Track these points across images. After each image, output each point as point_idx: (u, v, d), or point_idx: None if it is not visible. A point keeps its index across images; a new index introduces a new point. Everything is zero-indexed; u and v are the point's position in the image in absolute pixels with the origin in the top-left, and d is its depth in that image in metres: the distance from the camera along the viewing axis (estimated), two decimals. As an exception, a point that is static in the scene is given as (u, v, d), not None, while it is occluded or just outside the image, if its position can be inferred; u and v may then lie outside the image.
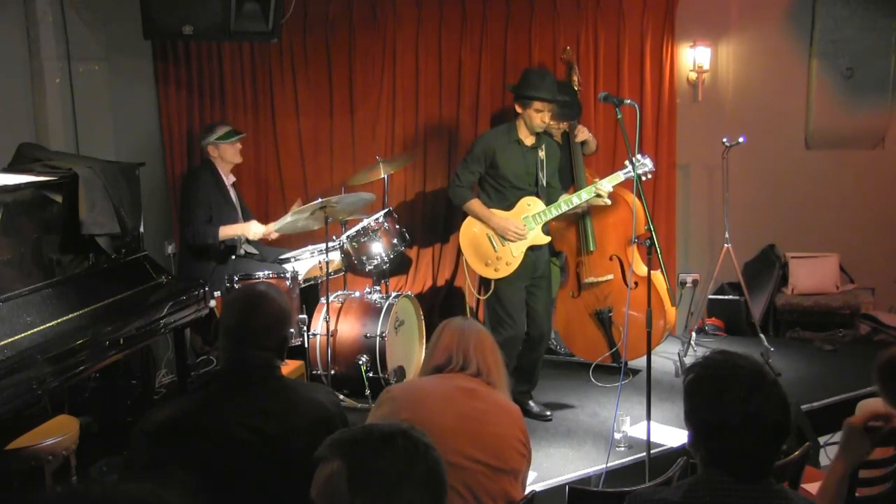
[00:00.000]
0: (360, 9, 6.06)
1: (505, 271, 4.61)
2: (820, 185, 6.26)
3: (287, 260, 5.29)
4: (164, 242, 5.75)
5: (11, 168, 4.06)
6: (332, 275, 5.16)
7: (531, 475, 3.56)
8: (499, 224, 4.59)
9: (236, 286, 4.73)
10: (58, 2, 5.00)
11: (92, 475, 3.94)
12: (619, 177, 4.58)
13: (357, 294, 5.22)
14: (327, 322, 4.90)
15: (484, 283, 4.73)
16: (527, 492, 2.59)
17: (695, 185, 6.31)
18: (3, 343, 3.18)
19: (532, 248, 4.64)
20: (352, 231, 5.14)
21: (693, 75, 6.14)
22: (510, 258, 4.60)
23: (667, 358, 5.63)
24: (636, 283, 4.97)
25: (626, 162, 4.46)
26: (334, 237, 5.15)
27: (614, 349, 5.20)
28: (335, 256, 5.17)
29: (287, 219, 4.94)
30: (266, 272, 4.95)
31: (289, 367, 4.72)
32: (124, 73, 5.68)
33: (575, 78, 5.38)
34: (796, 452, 2.81)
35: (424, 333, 5.39)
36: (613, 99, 3.92)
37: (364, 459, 1.48)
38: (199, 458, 2.17)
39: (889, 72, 6.00)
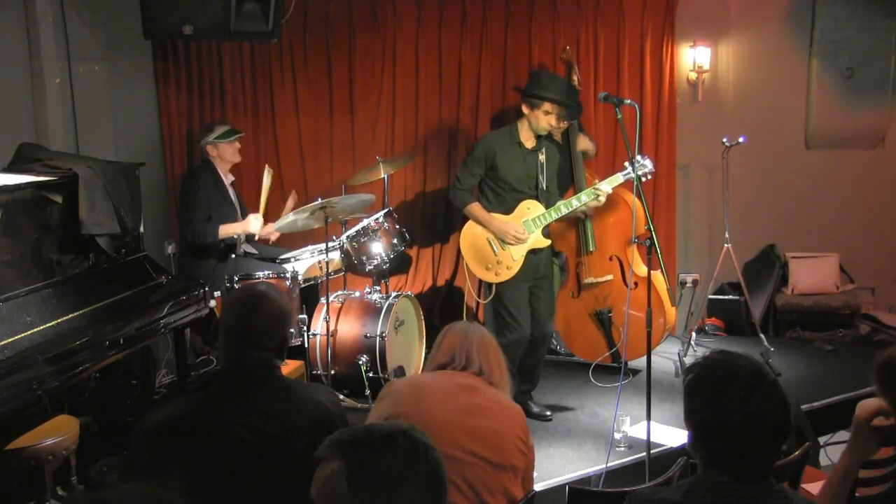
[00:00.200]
0: (360, 9, 6.06)
1: (505, 275, 4.60)
2: (820, 185, 6.26)
3: (287, 260, 5.29)
4: (164, 242, 5.75)
5: (11, 168, 4.06)
6: (332, 275, 5.16)
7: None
8: (499, 228, 4.59)
9: (236, 286, 4.74)
10: (58, 2, 5.00)
11: (92, 475, 3.94)
12: (618, 178, 4.58)
13: (357, 294, 5.22)
14: (327, 322, 4.90)
15: (485, 287, 4.72)
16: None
17: (695, 185, 6.31)
18: (3, 343, 3.18)
19: (533, 252, 4.63)
20: (352, 231, 5.14)
21: (693, 75, 6.14)
22: (511, 262, 4.60)
23: (667, 358, 5.63)
24: (636, 284, 4.97)
25: (626, 163, 4.45)
26: (334, 237, 5.16)
27: (614, 349, 5.20)
28: (335, 256, 5.17)
29: (288, 217, 4.94)
30: (266, 272, 4.95)
31: (289, 367, 4.73)
32: (124, 73, 5.68)
33: (575, 78, 5.38)
34: (796, 452, 2.81)
35: (424, 333, 5.39)
36: (613, 99, 3.92)
37: (364, 459, 1.47)
38: (199, 458, 2.17)
39: (889, 72, 6.00)
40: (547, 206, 4.63)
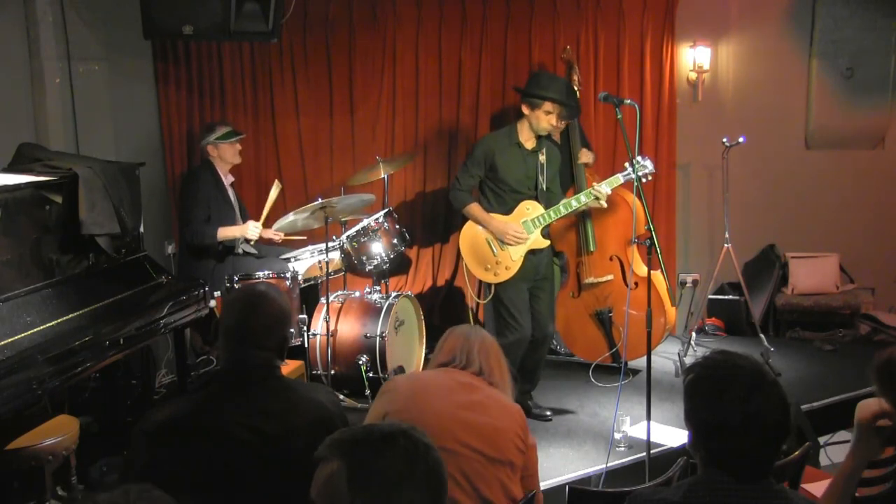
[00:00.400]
0: (360, 9, 6.06)
1: (504, 276, 4.60)
2: (820, 185, 6.26)
3: (287, 260, 5.29)
4: (164, 242, 5.75)
5: (11, 168, 4.06)
6: (332, 275, 5.16)
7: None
8: (497, 228, 4.59)
9: (236, 286, 4.74)
10: (58, 2, 5.00)
11: (92, 475, 3.94)
12: (618, 179, 4.57)
13: (357, 294, 5.22)
14: (327, 322, 4.90)
15: (485, 287, 4.72)
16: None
17: (695, 185, 6.31)
18: (3, 343, 3.18)
19: (532, 252, 4.63)
20: (352, 231, 5.14)
21: (693, 75, 6.14)
22: (509, 262, 4.60)
23: (667, 358, 5.63)
24: (636, 284, 4.97)
25: (626, 164, 4.45)
26: (334, 237, 5.16)
27: (614, 349, 5.20)
28: (335, 256, 5.17)
29: (288, 217, 4.94)
30: (266, 272, 4.95)
31: (289, 367, 4.73)
32: (124, 73, 5.68)
33: (575, 78, 5.39)
34: (796, 452, 2.81)
35: (424, 333, 5.39)
36: (613, 99, 3.92)
37: (364, 459, 1.47)
38: (199, 458, 2.17)
39: (889, 72, 6.00)
40: (547, 207, 4.63)
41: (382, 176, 5.55)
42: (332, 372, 4.92)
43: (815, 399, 4.90)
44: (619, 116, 3.95)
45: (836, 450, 4.60)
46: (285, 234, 5.30)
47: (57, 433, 3.49)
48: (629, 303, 4.58)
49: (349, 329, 4.97)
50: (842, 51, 6.00)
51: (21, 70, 4.89)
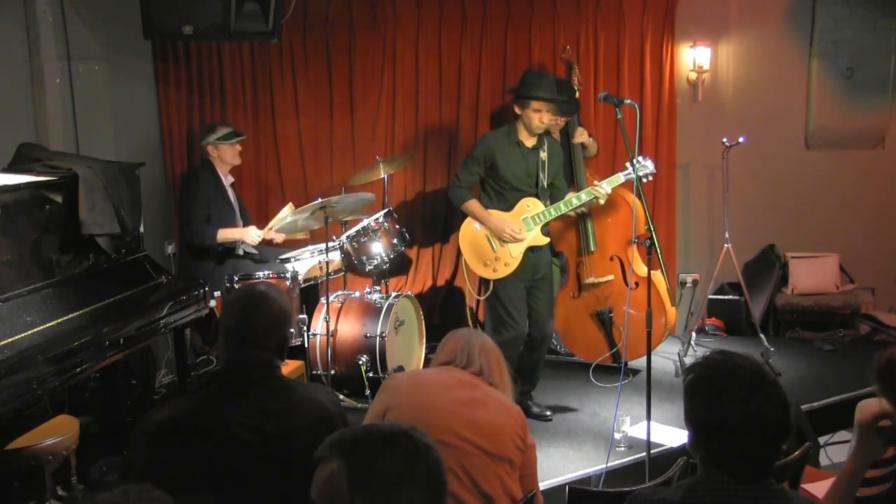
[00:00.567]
0: (360, 9, 6.06)
1: (503, 272, 4.60)
2: (820, 185, 6.26)
3: (287, 260, 5.29)
4: (164, 242, 5.75)
5: (11, 168, 4.06)
6: (332, 275, 5.16)
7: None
8: (496, 225, 4.59)
9: (236, 286, 4.74)
10: (58, 2, 5.00)
11: (92, 475, 3.94)
12: (619, 178, 4.57)
13: (357, 294, 5.22)
14: (327, 322, 4.90)
15: (483, 283, 4.72)
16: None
17: (695, 185, 6.31)
18: (3, 343, 3.18)
19: (532, 249, 4.63)
20: (352, 231, 5.14)
21: (693, 75, 6.14)
22: (509, 259, 4.60)
23: (667, 358, 5.63)
24: (636, 284, 4.97)
25: (627, 164, 4.45)
26: (334, 237, 5.16)
27: (614, 349, 5.20)
28: (335, 256, 5.17)
29: (287, 219, 4.94)
30: (266, 272, 4.95)
31: (289, 367, 4.72)
32: (124, 73, 5.68)
33: (575, 77, 5.39)
34: (796, 452, 2.81)
35: (424, 333, 5.39)
36: (613, 99, 3.92)
37: (364, 459, 1.47)
38: (199, 458, 2.17)
39: (889, 72, 6.00)
40: (552, 202, 4.63)
41: (382, 176, 5.55)
42: (332, 372, 4.92)
43: (815, 399, 4.89)
44: (619, 116, 3.96)
45: (836, 450, 4.60)
46: (286, 235, 5.30)
47: (57, 433, 3.49)
48: (629, 303, 4.58)
49: (349, 329, 4.97)
50: (842, 51, 6.00)
51: (21, 70, 4.89)
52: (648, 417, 3.70)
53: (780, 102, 6.19)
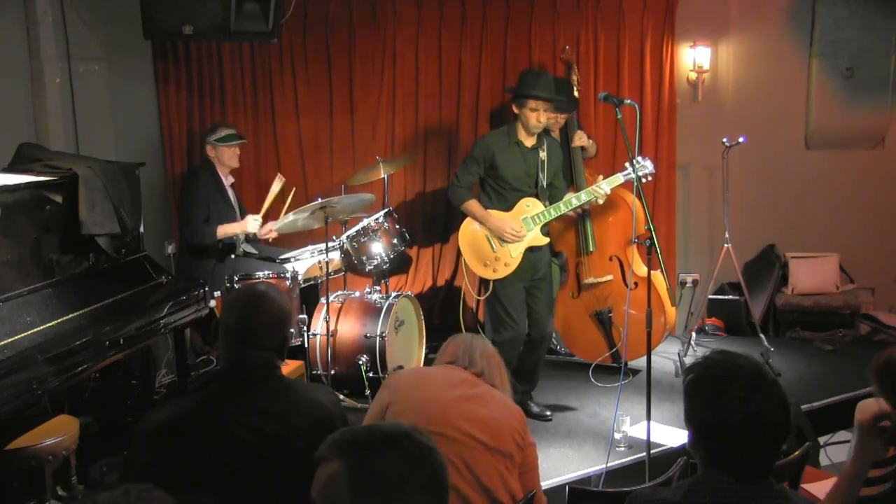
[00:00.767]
0: (360, 9, 6.06)
1: (503, 272, 4.60)
2: (820, 185, 6.26)
3: (287, 260, 5.29)
4: (164, 242, 5.75)
5: (11, 168, 4.06)
6: (332, 275, 5.16)
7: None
8: (495, 225, 4.59)
9: (236, 286, 4.74)
10: (58, 2, 5.00)
11: (92, 475, 3.94)
12: (618, 178, 4.57)
13: (357, 294, 5.22)
14: (327, 322, 4.90)
15: (483, 283, 4.72)
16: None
17: (695, 185, 6.31)
18: (3, 343, 3.18)
19: (531, 249, 4.63)
20: (352, 231, 5.14)
21: (693, 75, 6.14)
22: (508, 259, 4.60)
23: (667, 358, 5.63)
24: (636, 284, 4.97)
25: (627, 164, 4.45)
26: (334, 237, 5.16)
27: (614, 349, 5.20)
28: (335, 256, 5.17)
29: (288, 217, 4.94)
30: (266, 272, 4.95)
31: (289, 367, 4.72)
32: (124, 73, 5.69)
33: (574, 77, 5.38)
34: (796, 452, 2.81)
35: (424, 333, 5.39)
36: (613, 99, 3.92)
37: (367, 461, 1.46)
38: (199, 458, 2.17)
39: (889, 72, 6.00)
40: (551, 202, 4.63)
41: (382, 176, 5.55)
42: (332, 372, 4.91)
43: (815, 399, 4.89)
44: (619, 116, 3.96)
45: (836, 450, 4.60)
46: (285, 235, 5.30)
47: (57, 433, 3.49)
48: (629, 303, 4.58)
49: (349, 329, 4.97)
50: (842, 51, 6.00)
51: (21, 70, 4.90)
52: (648, 417, 3.70)
53: (780, 102, 6.19)
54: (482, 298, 4.77)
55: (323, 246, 5.00)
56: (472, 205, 4.65)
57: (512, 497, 2.55)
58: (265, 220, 5.27)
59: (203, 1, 4.80)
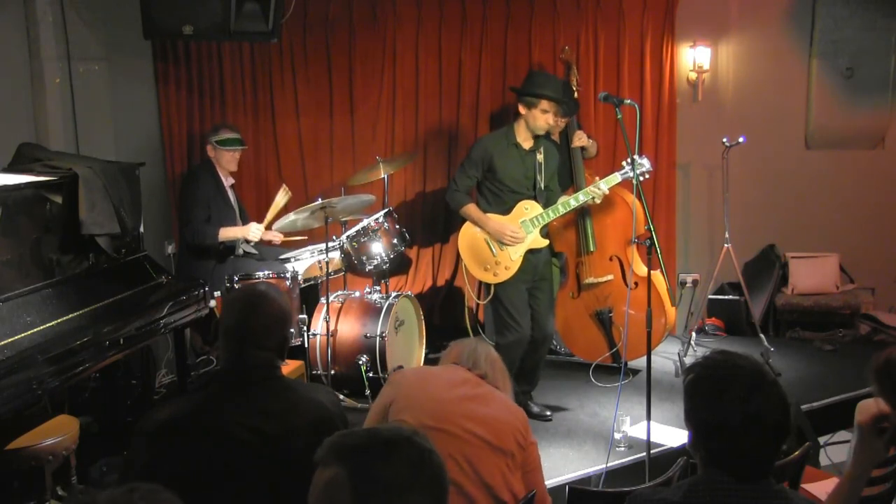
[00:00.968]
0: (360, 9, 6.06)
1: (504, 276, 4.60)
2: (820, 185, 6.26)
3: (287, 260, 5.29)
4: (164, 242, 5.75)
5: (11, 168, 4.06)
6: (332, 275, 5.16)
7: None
8: (495, 228, 4.59)
9: (236, 286, 4.73)
10: (58, 2, 5.00)
11: (92, 475, 3.94)
12: (616, 178, 4.57)
13: (357, 294, 5.22)
14: (327, 322, 4.90)
15: (484, 287, 4.72)
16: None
17: (695, 185, 6.31)
18: (3, 343, 3.18)
19: (531, 251, 4.63)
20: (352, 231, 5.14)
21: (693, 75, 6.14)
22: (509, 262, 4.60)
23: (667, 358, 5.63)
24: (636, 284, 4.97)
25: (624, 162, 4.45)
26: (334, 237, 5.15)
27: (614, 349, 5.20)
28: (335, 256, 5.17)
29: (288, 217, 4.94)
30: (266, 272, 4.95)
31: (289, 367, 4.72)
32: (124, 73, 5.69)
33: (574, 78, 5.38)
34: (796, 452, 2.81)
35: (424, 334, 5.39)
36: (613, 99, 3.92)
37: (368, 466, 1.44)
38: (199, 458, 2.17)
39: (889, 72, 6.00)
40: (546, 206, 4.63)
41: (382, 176, 5.55)
42: (332, 372, 4.91)
43: (815, 399, 4.89)
44: (619, 116, 3.96)
45: (836, 450, 4.59)
46: (284, 235, 5.30)
47: (57, 433, 3.49)
48: (629, 303, 4.58)
49: (349, 329, 4.97)
50: (842, 51, 6.00)
51: (21, 70, 4.90)
52: (648, 417, 3.70)
53: (780, 102, 6.19)
54: (482, 302, 4.77)
55: (323, 246, 5.00)
56: (471, 209, 4.64)
57: (513, 495, 2.56)
58: (269, 228, 5.26)
59: (203, 1, 4.80)
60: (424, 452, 1.47)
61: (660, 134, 6.05)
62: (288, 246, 5.52)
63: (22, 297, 3.48)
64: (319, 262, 5.18)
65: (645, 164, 4.51)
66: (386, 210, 5.27)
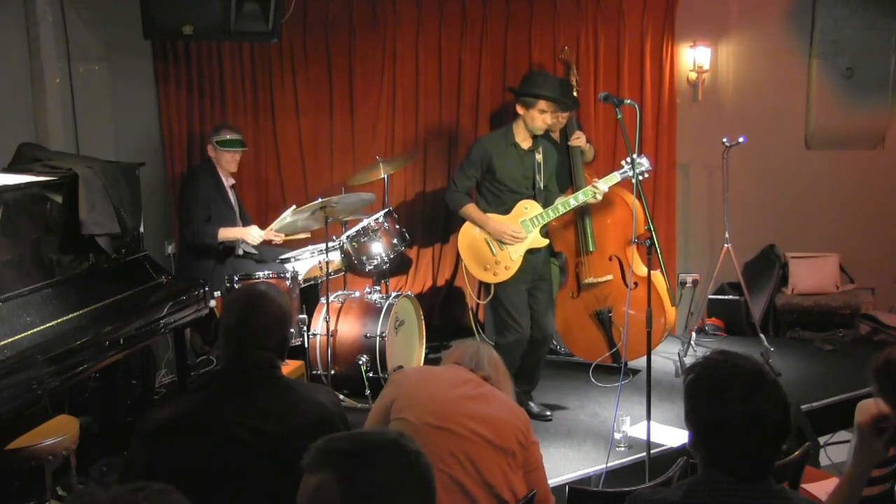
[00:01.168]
0: (360, 9, 6.06)
1: (504, 276, 4.60)
2: (820, 185, 6.26)
3: (287, 260, 5.29)
4: (164, 242, 5.75)
5: (11, 168, 4.06)
6: (332, 275, 5.16)
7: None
8: (495, 228, 4.59)
9: (236, 286, 4.73)
10: (58, 2, 5.00)
11: (92, 475, 3.94)
12: (615, 177, 4.57)
13: (357, 294, 5.22)
14: (327, 322, 4.90)
15: (484, 287, 4.72)
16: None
17: (695, 185, 6.31)
18: (3, 343, 3.18)
19: (531, 251, 4.63)
20: (352, 231, 5.14)
21: (693, 75, 6.14)
22: (509, 262, 4.60)
23: (667, 358, 5.63)
24: (636, 284, 4.96)
25: (623, 161, 4.45)
26: (334, 237, 5.15)
27: (614, 349, 5.20)
28: (335, 256, 5.17)
29: (287, 219, 4.94)
30: (266, 272, 4.95)
31: (289, 367, 4.72)
32: (124, 73, 5.69)
33: (573, 78, 5.38)
34: (796, 452, 2.81)
35: (424, 334, 5.39)
36: (613, 99, 3.92)
37: (357, 470, 1.43)
38: (199, 458, 2.17)
39: (889, 72, 6.00)
40: (545, 206, 4.63)
41: (382, 176, 5.55)
42: (332, 372, 4.91)
43: (815, 399, 4.90)
44: (619, 116, 3.96)
45: (836, 450, 4.59)
46: (286, 235, 5.30)
47: (57, 433, 3.49)
48: (629, 303, 4.58)
49: (349, 329, 4.97)
50: (842, 51, 6.00)
51: (21, 70, 4.90)
52: (648, 417, 3.70)
53: (780, 102, 6.19)
54: (482, 302, 4.77)
55: (323, 246, 5.00)
56: (471, 209, 4.64)
57: (514, 495, 2.56)
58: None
59: (203, 1, 4.80)
60: (412, 454, 1.47)
61: (660, 134, 6.05)
62: (288, 246, 5.52)
63: (22, 297, 3.48)
64: (319, 262, 5.18)
65: (644, 163, 4.51)
66: (386, 210, 5.27)
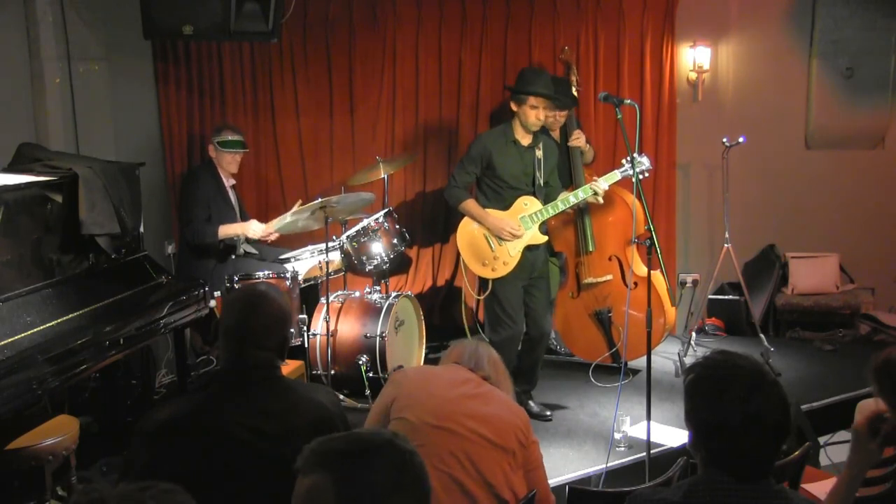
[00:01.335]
0: (360, 9, 6.06)
1: (502, 271, 4.60)
2: (820, 185, 6.26)
3: (287, 260, 5.29)
4: (164, 242, 5.75)
5: (11, 168, 4.06)
6: (332, 275, 5.16)
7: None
8: (494, 224, 4.59)
9: (236, 286, 4.74)
10: (58, 2, 5.00)
11: (92, 475, 3.94)
12: (615, 175, 4.57)
13: (357, 294, 5.22)
14: (327, 322, 4.90)
15: (482, 283, 4.72)
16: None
17: (695, 185, 6.31)
18: (3, 343, 3.18)
19: (529, 248, 4.63)
20: (352, 231, 5.14)
21: (693, 75, 6.14)
22: (507, 258, 4.60)
23: (667, 358, 5.63)
24: (636, 284, 4.96)
25: (624, 160, 4.45)
26: (334, 237, 5.15)
27: (614, 349, 5.20)
28: (335, 256, 5.17)
29: (287, 218, 4.94)
30: (266, 272, 4.95)
31: (289, 367, 4.72)
32: (124, 73, 5.68)
33: (573, 77, 5.38)
34: (796, 452, 2.81)
35: (424, 334, 5.39)
36: (613, 99, 3.92)
37: (351, 472, 1.43)
38: (199, 458, 2.17)
39: (889, 72, 6.00)
40: (546, 202, 4.63)
41: (382, 176, 5.55)
42: (332, 372, 4.91)
43: (815, 399, 4.90)
44: (619, 116, 3.96)
45: (836, 450, 4.59)
46: (287, 235, 5.30)
47: (57, 433, 3.49)
48: (629, 303, 4.58)
49: (349, 329, 4.97)
50: (842, 51, 6.00)
51: (21, 70, 4.89)
52: (648, 417, 3.70)
53: (780, 102, 6.19)
54: (481, 298, 4.77)
55: (323, 246, 5.00)
56: (470, 204, 4.65)
57: (514, 494, 2.57)
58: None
59: (203, 1, 4.80)
60: (406, 455, 1.47)
61: (660, 134, 6.05)
62: (288, 246, 5.52)
63: (22, 297, 3.48)
64: (319, 262, 5.18)
65: (645, 162, 4.51)
66: (386, 210, 5.27)
